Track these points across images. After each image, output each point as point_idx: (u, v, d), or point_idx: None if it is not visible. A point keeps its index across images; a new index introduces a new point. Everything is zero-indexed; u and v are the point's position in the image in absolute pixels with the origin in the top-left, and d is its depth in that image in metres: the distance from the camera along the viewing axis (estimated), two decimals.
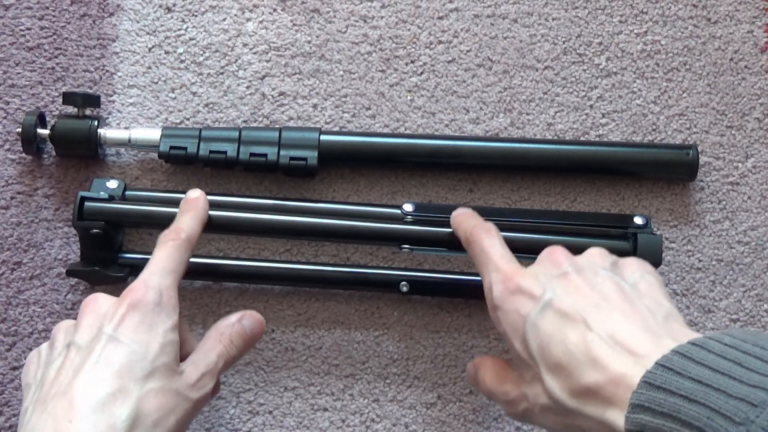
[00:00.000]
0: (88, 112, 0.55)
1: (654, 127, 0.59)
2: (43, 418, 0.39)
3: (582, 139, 0.59)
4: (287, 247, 0.57)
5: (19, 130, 0.54)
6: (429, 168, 0.58)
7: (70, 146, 0.55)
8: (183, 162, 0.55)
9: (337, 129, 0.58)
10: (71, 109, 0.55)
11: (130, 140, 0.55)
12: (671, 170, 0.57)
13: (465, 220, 0.50)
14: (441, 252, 0.55)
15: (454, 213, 0.51)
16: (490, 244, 0.46)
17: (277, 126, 0.58)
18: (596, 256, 0.44)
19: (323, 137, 0.55)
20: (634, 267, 0.44)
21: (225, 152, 0.54)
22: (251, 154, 0.54)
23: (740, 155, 0.59)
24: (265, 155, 0.54)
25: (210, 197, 0.55)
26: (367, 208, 0.56)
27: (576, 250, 0.45)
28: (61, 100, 0.56)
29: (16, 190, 0.56)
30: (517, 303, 0.42)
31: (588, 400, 0.38)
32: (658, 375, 0.34)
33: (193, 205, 0.49)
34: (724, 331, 0.36)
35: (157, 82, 0.58)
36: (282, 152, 0.54)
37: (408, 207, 0.54)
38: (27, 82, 0.58)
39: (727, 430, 0.31)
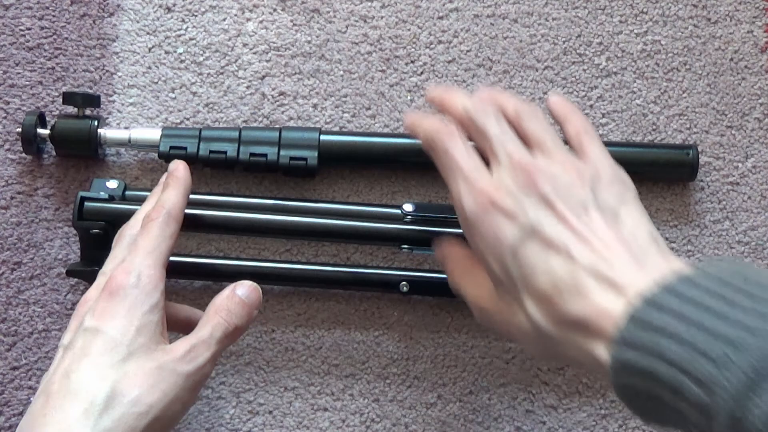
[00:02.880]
0: (88, 112, 0.55)
1: (654, 127, 0.59)
2: (23, 420, 0.39)
3: None
4: (287, 247, 0.57)
5: (19, 130, 0.54)
6: (429, 168, 0.58)
7: (70, 146, 0.55)
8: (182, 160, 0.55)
9: (337, 129, 0.58)
10: (71, 109, 0.55)
11: (130, 140, 0.55)
12: (671, 170, 0.57)
13: (422, 122, 0.47)
14: None
15: (408, 115, 0.48)
16: (454, 147, 0.44)
17: (277, 126, 0.57)
18: (573, 174, 0.41)
19: (323, 137, 0.55)
20: (614, 189, 0.42)
21: (225, 152, 0.54)
22: (251, 154, 0.54)
23: (740, 155, 0.59)
24: (265, 155, 0.54)
25: (210, 197, 0.56)
26: (367, 208, 0.56)
27: None
28: (61, 100, 0.56)
29: (16, 190, 0.56)
30: (494, 224, 0.40)
31: (572, 330, 0.37)
32: (643, 311, 0.34)
33: (174, 179, 0.49)
34: (711, 262, 0.36)
35: (157, 82, 0.58)
36: (282, 152, 0.54)
37: (408, 207, 0.54)
38: (27, 82, 0.58)
39: (709, 372, 0.31)
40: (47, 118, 0.56)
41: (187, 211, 0.52)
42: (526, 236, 0.39)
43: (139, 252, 0.44)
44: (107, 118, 0.58)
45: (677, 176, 0.58)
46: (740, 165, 0.59)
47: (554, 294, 0.38)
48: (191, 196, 0.55)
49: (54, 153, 0.56)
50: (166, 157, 0.54)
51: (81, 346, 0.40)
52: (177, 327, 0.49)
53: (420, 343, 0.56)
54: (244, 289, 0.46)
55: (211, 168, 0.56)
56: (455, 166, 0.43)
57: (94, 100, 0.55)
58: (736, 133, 0.59)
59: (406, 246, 0.54)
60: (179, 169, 0.49)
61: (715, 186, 0.58)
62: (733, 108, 0.59)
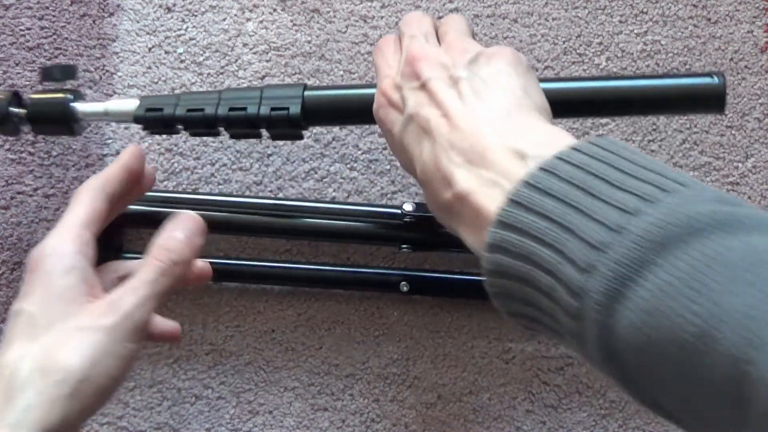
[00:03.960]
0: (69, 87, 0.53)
1: (654, 127, 0.59)
2: None
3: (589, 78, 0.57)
4: (287, 247, 0.57)
5: None
6: None
7: (46, 123, 0.51)
8: (160, 125, 0.51)
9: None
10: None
11: (106, 112, 0.51)
12: (697, 102, 0.48)
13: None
14: (441, 252, 0.55)
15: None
16: (376, 53, 0.45)
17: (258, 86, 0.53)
18: (456, 54, 0.41)
19: (308, 92, 0.50)
20: (494, 61, 0.40)
21: (203, 110, 0.49)
22: (230, 109, 0.49)
23: (740, 155, 0.59)
24: (245, 108, 0.49)
25: (210, 197, 0.56)
26: (367, 208, 0.56)
27: None
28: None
29: (16, 190, 0.56)
30: (387, 118, 0.41)
31: (451, 217, 0.36)
32: (510, 213, 0.32)
33: (117, 159, 0.46)
34: (578, 144, 0.33)
35: (157, 82, 0.58)
36: (263, 105, 0.49)
37: (408, 207, 0.54)
38: (27, 82, 0.58)
39: (574, 276, 0.29)
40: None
41: (188, 211, 0.52)
42: (407, 123, 0.39)
43: (56, 227, 0.42)
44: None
45: (704, 108, 0.50)
46: (740, 165, 0.59)
47: (428, 180, 0.37)
48: (191, 196, 0.55)
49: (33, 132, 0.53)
50: (143, 121, 0.50)
51: (7, 332, 0.39)
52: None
53: (420, 343, 0.56)
54: (180, 221, 0.43)
55: (192, 132, 0.51)
56: (376, 70, 0.44)
57: (70, 71, 0.52)
58: (736, 133, 0.59)
59: (406, 246, 0.54)
60: (126, 150, 0.46)
61: (714, 186, 0.58)
62: (733, 108, 0.59)
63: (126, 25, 0.59)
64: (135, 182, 0.46)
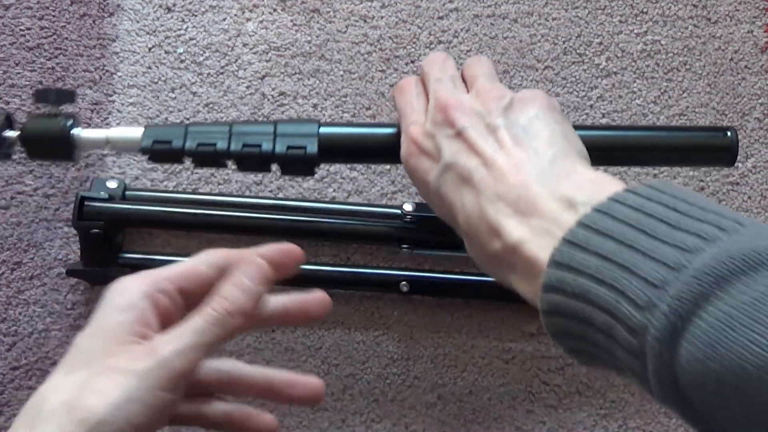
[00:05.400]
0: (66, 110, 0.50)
1: None
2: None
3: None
4: None
5: None
6: None
7: (43, 149, 0.48)
8: (168, 158, 0.48)
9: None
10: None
11: (108, 140, 0.48)
12: (709, 155, 0.50)
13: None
14: (441, 252, 0.55)
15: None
16: (399, 95, 0.44)
17: (271, 120, 0.54)
18: (490, 102, 0.40)
19: (323, 129, 0.49)
20: (526, 109, 0.40)
21: (214, 144, 0.47)
22: (244, 145, 0.47)
23: (740, 155, 0.59)
24: (259, 145, 0.47)
25: (210, 197, 0.56)
26: (367, 208, 0.56)
27: None
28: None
29: (16, 190, 0.56)
30: (420, 167, 0.41)
31: (501, 267, 0.36)
32: (565, 252, 0.32)
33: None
34: (633, 187, 0.33)
35: (157, 82, 0.58)
36: (278, 142, 0.48)
37: (408, 207, 0.54)
38: (27, 82, 0.58)
39: (633, 314, 0.29)
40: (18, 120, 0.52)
41: (188, 210, 0.52)
42: (444, 172, 0.39)
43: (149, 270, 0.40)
44: (107, 117, 0.58)
45: (715, 161, 0.51)
46: (740, 165, 0.59)
47: (472, 231, 0.37)
48: (191, 196, 0.55)
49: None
50: (150, 153, 0.48)
51: (60, 362, 0.38)
52: None
53: (420, 343, 0.56)
54: (241, 265, 0.40)
55: (200, 165, 0.49)
56: (399, 113, 0.44)
57: (67, 96, 0.48)
58: None
59: (406, 246, 0.54)
60: (279, 247, 0.41)
61: (715, 186, 0.58)
62: (733, 108, 0.59)
63: (126, 25, 0.59)
64: (267, 273, 0.41)
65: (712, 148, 0.49)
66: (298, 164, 0.48)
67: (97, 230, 0.52)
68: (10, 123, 0.49)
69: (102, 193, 0.53)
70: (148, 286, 0.38)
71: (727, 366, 0.27)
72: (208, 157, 0.48)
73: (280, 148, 0.47)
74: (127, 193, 0.55)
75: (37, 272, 0.56)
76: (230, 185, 0.57)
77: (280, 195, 0.57)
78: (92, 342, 0.38)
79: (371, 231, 0.54)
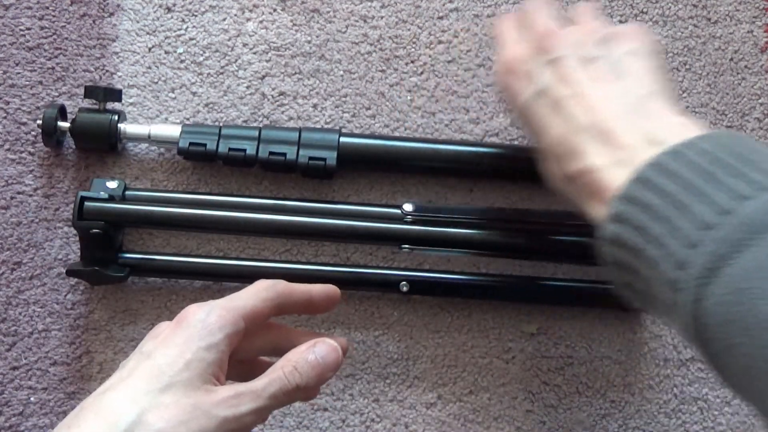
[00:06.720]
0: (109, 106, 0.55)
1: None
2: (56, 428, 0.38)
3: None
4: (287, 247, 0.57)
5: (40, 122, 0.54)
6: (441, 171, 0.57)
7: (90, 140, 0.55)
8: (202, 159, 0.55)
9: (348, 131, 0.58)
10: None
11: (150, 136, 0.55)
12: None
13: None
14: (441, 252, 0.55)
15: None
16: (500, 27, 0.48)
17: (296, 126, 0.57)
18: (588, 34, 0.44)
19: (343, 139, 0.55)
20: (623, 43, 0.44)
21: (244, 150, 0.54)
22: (270, 153, 0.54)
23: None
24: (285, 154, 0.54)
25: (211, 197, 0.56)
26: (367, 208, 0.56)
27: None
28: (61, 98, 0.56)
29: (16, 190, 0.56)
30: (510, 85, 0.45)
31: (574, 187, 0.40)
32: (634, 188, 0.36)
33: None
34: (706, 133, 0.36)
35: (157, 82, 0.58)
36: (301, 152, 0.54)
37: (408, 207, 0.54)
38: (27, 82, 0.58)
39: (678, 250, 0.33)
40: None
41: (188, 210, 0.52)
42: (536, 97, 0.42)
43: (225, 301, 0.42)
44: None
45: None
46: None
47: (553, 152, 0.41)
48: (191, 196, 0.55)
49: (74, 146, 0.56)
50: (186, 154, 0.54)
51: (129, 368, 0.40)
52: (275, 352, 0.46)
53: (420, 343, 0.56)
54: (321, 348, 0.43)
55: (230, 166, 0.56)
56: (498, 42, 0.47)
57: (115, 95, 0.55)
58: None
59: (406, 246, 0.54)
60: (324, 288, 0.47)
61: None
62: (733, 108, 0.59)
63: (126, 25, 0.59)
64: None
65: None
66: (318, 172, 0.55)
67: (97, 230, 0.52)
68: (63, 114, 0.55)
69: (102, 193, 0.53)
70: (229, 326, 0.41)
71: (748, 310, 0.29)
72: (238, 161, 0.55)
73: (303, 159, 0.54)
74: (127, 193, 0.55)
75: (37, 272, 0.56)
76: (230, 185, 0.57)
77: (280, 195, 0.57)
78: (173, 368, 0.39)
79: (371, 231, 0.54)
